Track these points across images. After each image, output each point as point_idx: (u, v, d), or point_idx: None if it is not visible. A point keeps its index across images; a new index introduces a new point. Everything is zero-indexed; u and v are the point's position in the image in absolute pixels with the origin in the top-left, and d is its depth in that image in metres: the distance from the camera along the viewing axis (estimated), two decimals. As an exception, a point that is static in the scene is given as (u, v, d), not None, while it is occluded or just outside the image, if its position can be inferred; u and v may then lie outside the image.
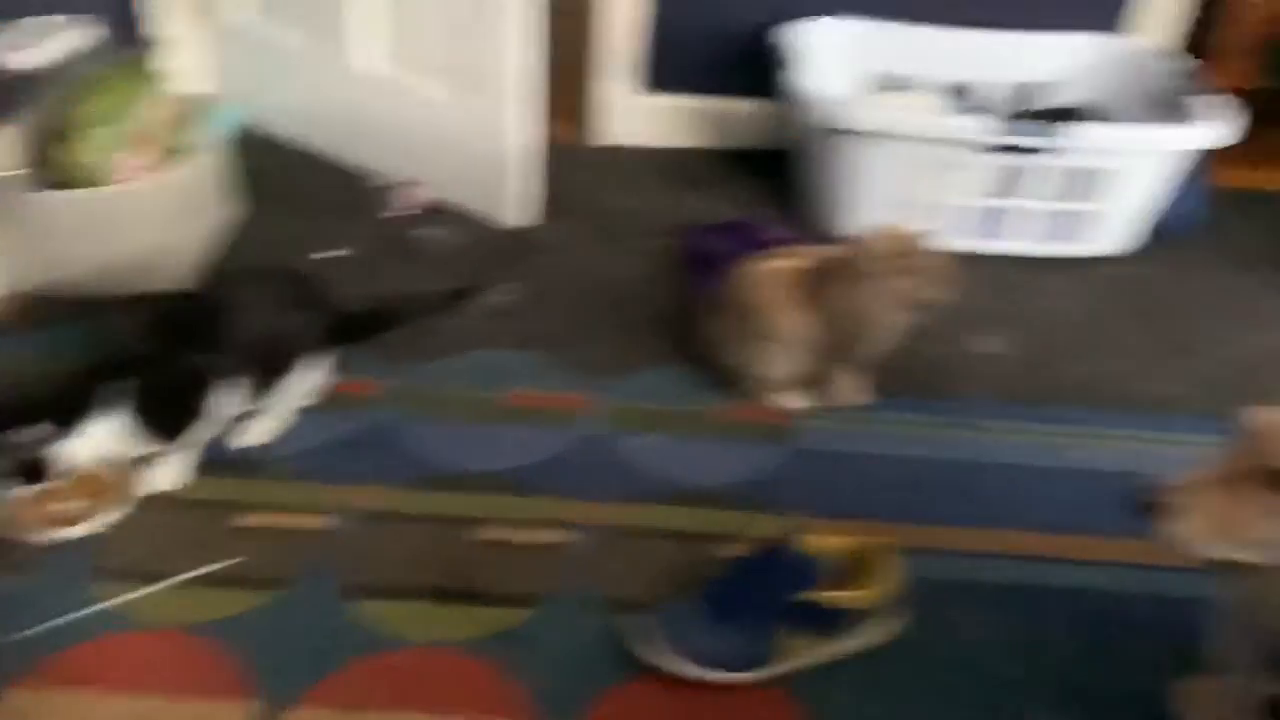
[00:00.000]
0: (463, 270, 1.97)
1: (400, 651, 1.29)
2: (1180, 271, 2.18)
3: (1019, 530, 1.53)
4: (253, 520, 1.45)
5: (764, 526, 1.43)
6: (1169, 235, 2.23)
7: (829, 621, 1.29)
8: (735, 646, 1.27)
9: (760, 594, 1.28)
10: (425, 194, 2.17)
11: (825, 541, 1.30)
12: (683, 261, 2.07)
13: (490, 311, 1.89)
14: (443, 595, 1.37)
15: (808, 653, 1.29)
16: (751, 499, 1.54)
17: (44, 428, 1.30)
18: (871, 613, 1.31)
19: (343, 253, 2.01)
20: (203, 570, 1.37)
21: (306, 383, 1.59)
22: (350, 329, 1.68)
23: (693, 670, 1.25)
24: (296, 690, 1.23)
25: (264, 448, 1.56)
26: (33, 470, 1.31)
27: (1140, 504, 1.02)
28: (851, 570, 1.32)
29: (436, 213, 2.16)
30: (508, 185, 2.09)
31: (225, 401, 1.47)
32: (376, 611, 1.33)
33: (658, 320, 1.91)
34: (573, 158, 2.40)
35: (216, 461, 1.52)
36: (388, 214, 2.14)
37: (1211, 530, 1.00)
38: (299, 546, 1.41)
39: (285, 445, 1.57)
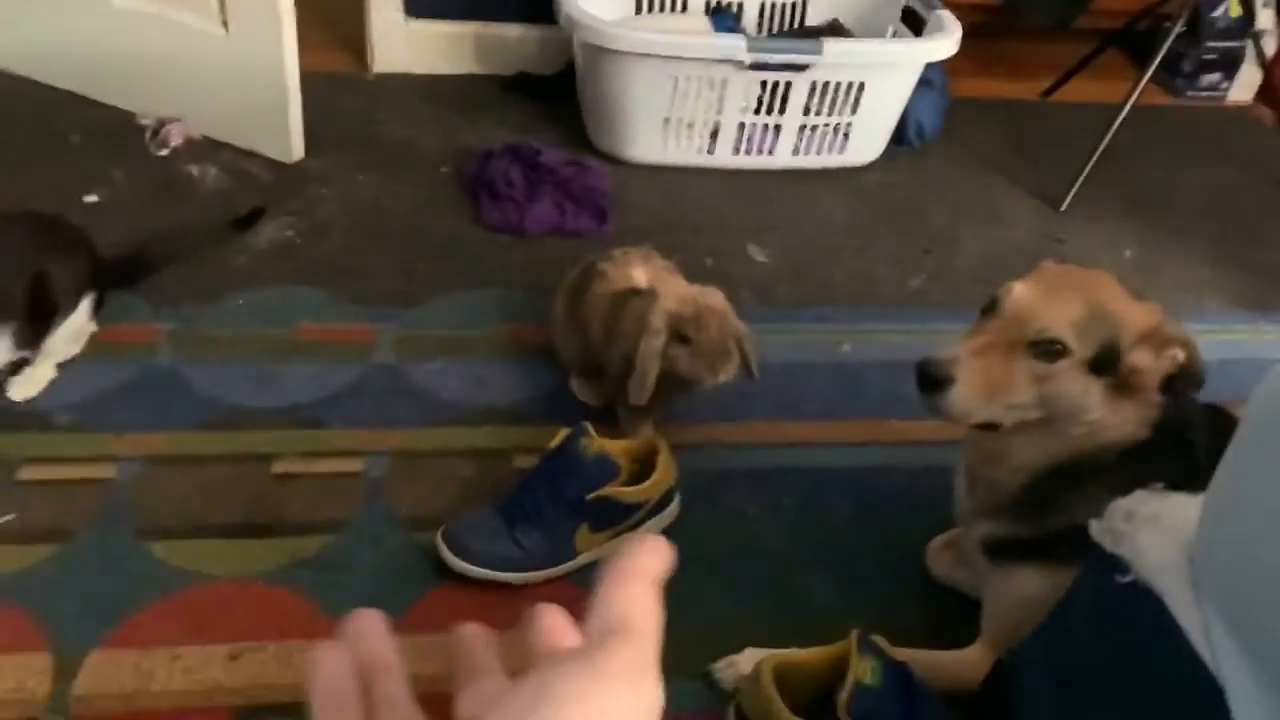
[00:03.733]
0: (236, 207, 1.93)
1: (202, 587, 1.30)
2: (924, 176, 2.36)
3: (797, 420, 1.66)
4: (32, 474, 1.41)
5: (554, 437, 1.50)
6: (911, 143, 2.41)
7: (621, 516, 1.39)
8: (537, 547, 1.35)
9: (557, 496, 1.35)
10: (193, 130, 2.10)
11: (607, 444, 1.39)
12: (465, 188, 2.10)
13: (268, 247, 1.87)
14: (242, 530, 1.38)
15: (606, 546, 1.38)
16: (540, 413, 1.61)
17: None
18: (654, 504, 1.41)
19: (95, 198, 1.93)
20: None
21: (74, 330, 1.54)
22: (119, 271, 1.64)
23: (485, 573, 1.32)
24: (96, 635, 1.23)
25: (36, 399, 1.51)
26: None
27: (921, 377, 1.12)
28: (633, 468, 1.41)
29: (206, 149, 2.10)
30: (278, 118, 2.05)
31: (-10, 354, 1.42)
32: (175, 551, 1.34)
33: (438, 249, 1.94)
34: (345, 88, 2.37)
35: (-13, 417, 1.47)
36: (155, 153, 2.06)
37: (981, 396, 1.12)
38: (85, 496, 1.39)
39: (60, 395, 1.53)
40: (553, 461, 1.38)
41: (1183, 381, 1.11)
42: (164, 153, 2.07)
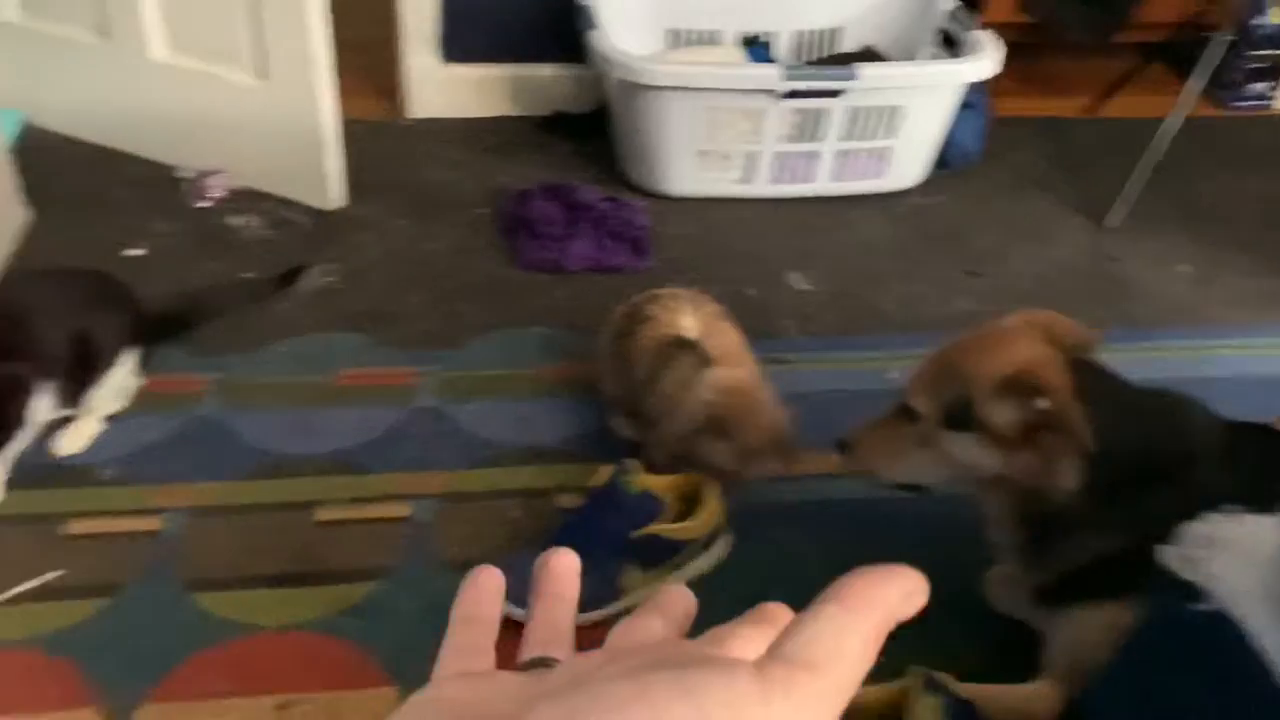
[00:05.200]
0: (278, 256, 1.94)
1: (248, 638, 1.29)
2: (968, 198, 2.32)
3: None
4: (79, 528, 1.41)
5: (598, 475, 1.48)
6: (954, 165, 2.38)
7: (668, 554, 1.36)
8: (582, 588, 1.32)
9: (601, 535, 1.33)
10: (233, 181, 2.13)
11: (652, 481, 1.36)
12: (503, 228, 2.09)
13: (309, 295, 1.87)
14: (287, 579, 1.37)
15: (653, 585, 1.35)
16: (583, 451, 1.59)
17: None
18: (702, 541, 1.38)
19: (139, 252, 1.95)
20: (22, 588, 1.32)
21: (117, 385, 1.55)
22: (162, 325, 1.65)
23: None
24: (143, 688, 1.21)
25: (82, 454, 1.52)
26: None
27: (836, 446, 1.25)
28: (679, 505, 1.38)
29: (246, 200, 2.11)
30: (317, 166, 2.06)
31: (37, 409, 1.43)
32: (221, 602, 1.33)
33: (478, 290, 1.93)
34: (381, 134, 2.39)
35: (34, 473, 1.48)
36: (195, 205, 2.09)
37: (877, 460, 1.22)
38: (131, 549, 1.39)
39: (105, 450, 1.53)
40: (596, 500, 1.36)
41: (1053, 432, 1.06)
42: (205, 204, 2.09)
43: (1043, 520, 1.14)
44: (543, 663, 0.34)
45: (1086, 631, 1.16)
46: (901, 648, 1.17)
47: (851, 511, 1.51)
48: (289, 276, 1.85)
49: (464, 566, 1.30)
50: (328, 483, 1.51)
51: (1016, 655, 1.27)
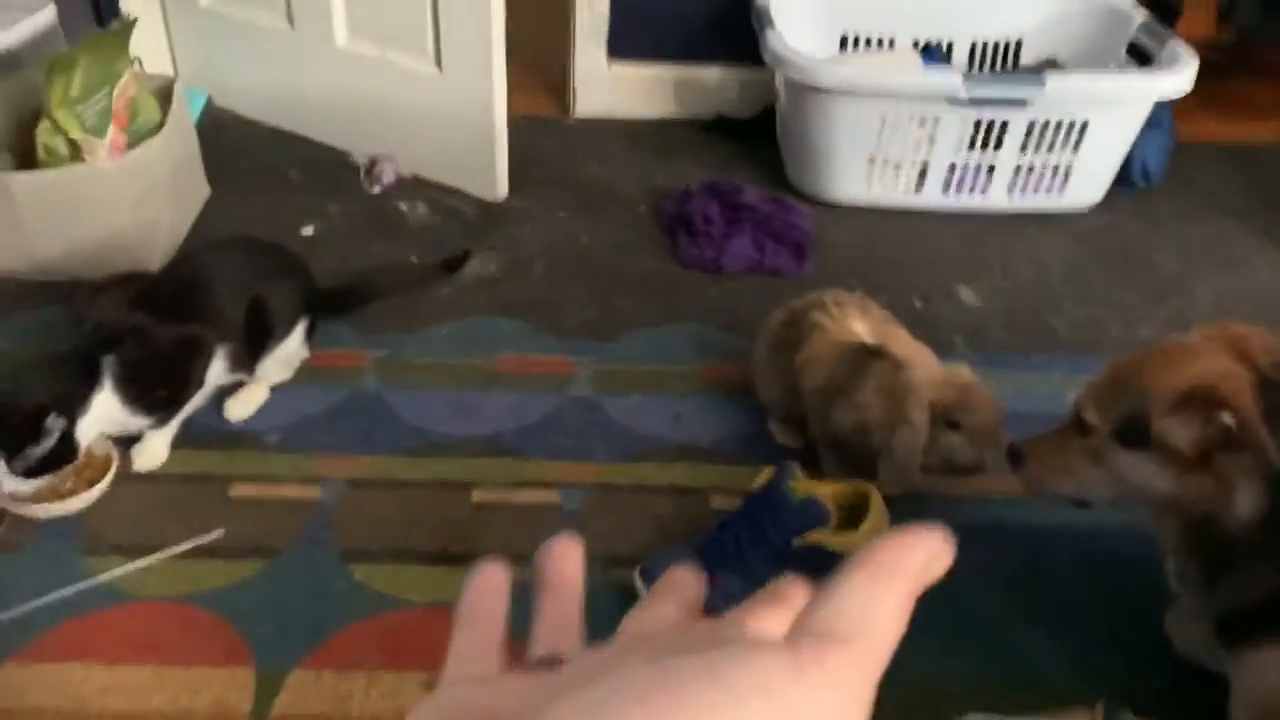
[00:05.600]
0: (441, 242, 1.96)
1: (399, 612, 1.29)
2: (1150, 221, 2.20)
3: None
4: (242, 491, 1.44)
5: (759, 477, 1.43)
6: (1137, 186, 2.26)
7: (830, 565, 1.30)
8: (736, 593, 1.27)
9: (761, 540, 1.28)
10: (403, 168, 2.16)
11: (815, 487, 1.31)
12: (663, 226, 2.07)
13: (471, 281, 1.88)
14: (440, 557, 1.37)
15: (810, 597, 1.30)
16: (737, 452, 1.55)
17: (56, 422, 1.28)
18: (866, 553, 1.32)
19: (311, 231, 2.00)
20: (186, 545, 1.35)
21: (287, 354, 1.58)
22: (332, 301, 1.68)
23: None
24: (296, 653, 1.22)
25: (249, 420, 1.55)
26: (51, 462, 1.30)
27: (1007, 453, 1.23)
28: (840, 514, 1.32)
29: (414, 187, 2.15)
30: (486, 158, 2.08)
31: (211, 373, 1.46)
32: (374, 574, 1.33)
33: (635, 285, 1.91)
34: (546, 130, 2.40)
35: (203, 435, 1.51)
36: (367, 190, 2.13)
37: (1048, 473, 1.18)
38: (291, 515, 1.41)
39: (271, 417, 1.56)
40: (756, 502, 1.32)
41: (1233, 453, 1.00)
42: (376, 189, 2.13)
43: (1216, 549, 1.07)
44: (553, 659, 0.32)
45: (1274, 676, 1.07)
46: (1073, 680, 1.10)
47: (1016, 536, 1.43)
48: (454, 263, 1.86)
49: (610, 559, 1.27)
50: (483, 465, 1.50)
51: (1201, 694, 1.18)
